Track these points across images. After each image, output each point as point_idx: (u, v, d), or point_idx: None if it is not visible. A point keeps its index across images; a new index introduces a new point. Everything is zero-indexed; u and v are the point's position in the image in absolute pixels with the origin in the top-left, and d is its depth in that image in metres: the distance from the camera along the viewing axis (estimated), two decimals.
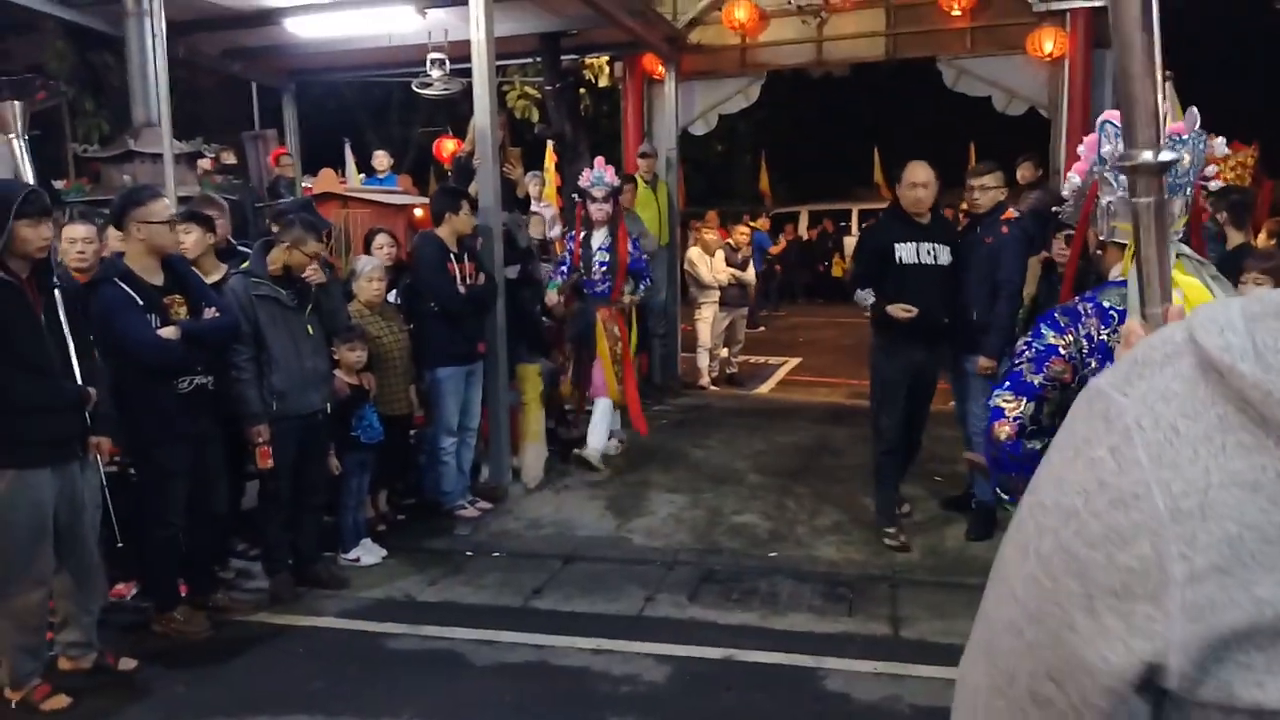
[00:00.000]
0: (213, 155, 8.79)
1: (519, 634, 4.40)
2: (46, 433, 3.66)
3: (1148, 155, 1.07)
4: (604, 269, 6.81)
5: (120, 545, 4.14)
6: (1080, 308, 2.43)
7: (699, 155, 19.35)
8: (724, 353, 10.73)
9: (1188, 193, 2.45)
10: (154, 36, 6.38)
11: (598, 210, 6.81)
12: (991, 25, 9.01)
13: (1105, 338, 2.36)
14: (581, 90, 12.69)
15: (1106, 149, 2.43)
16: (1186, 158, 2.38)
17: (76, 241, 4.65)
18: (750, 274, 10.86)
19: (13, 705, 3.71)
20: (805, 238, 20.85)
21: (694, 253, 10.18)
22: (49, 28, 7.65)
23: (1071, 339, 2.40)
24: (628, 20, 8.50)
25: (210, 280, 4.74)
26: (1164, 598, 0.59)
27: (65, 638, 3.97)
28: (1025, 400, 2.40)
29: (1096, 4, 8.24)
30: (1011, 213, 5.43)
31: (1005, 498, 2.56)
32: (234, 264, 5.10)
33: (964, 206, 6.01)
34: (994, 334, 5.20)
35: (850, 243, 20.03)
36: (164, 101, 6.22)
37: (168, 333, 4.20)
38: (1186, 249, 2.39)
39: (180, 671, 4.08)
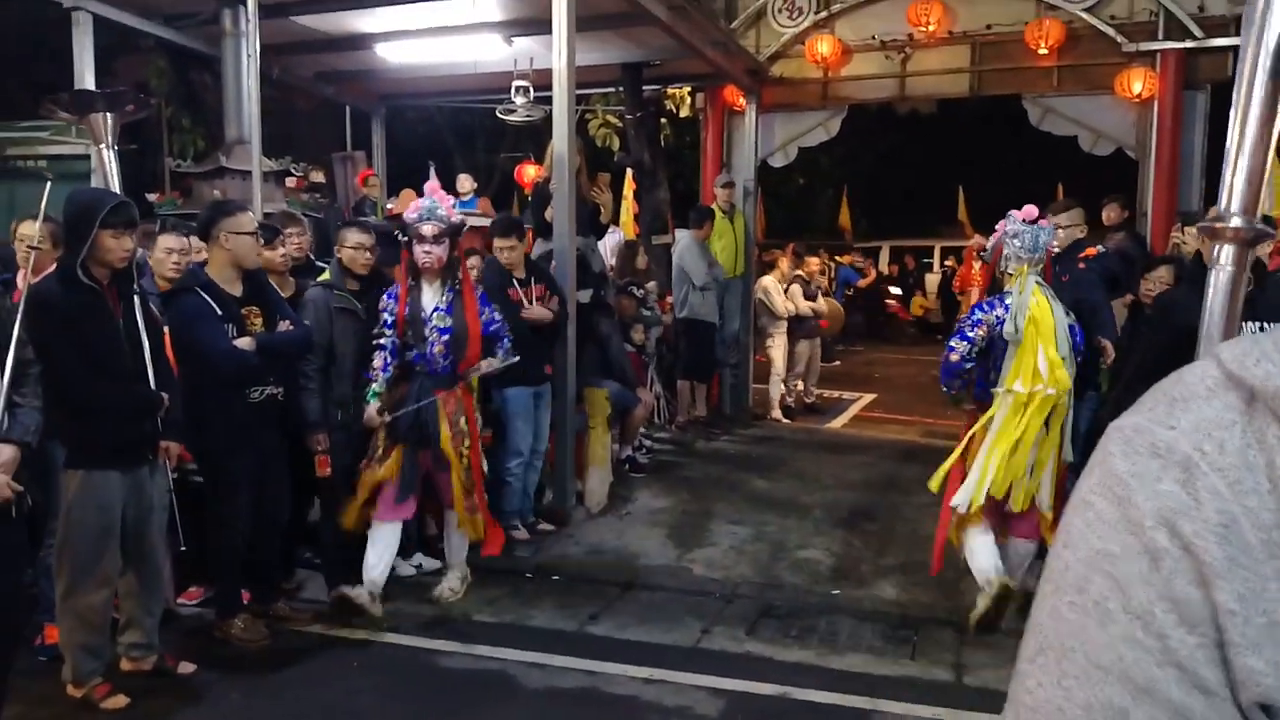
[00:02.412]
0: (300, 174, 9.02)
1: (572, 659, 4.36)
2: (118, 436, 3.76)
3: (1237, 221, 1.08)
4: (444, 339, 4.78)
5: (184, 549, 4.23)
6: (995, 300, 4.61)
7: (778, 187, 19.28)
8: (799, 385, 10.63)
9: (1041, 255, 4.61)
10: (249, 57, 6.59)
11: (426, 255, 4.74)
12: (1079, 64, 8.85)
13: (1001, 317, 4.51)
14: (662, 120, 12.76)
15: (1011, 227, 4.62)
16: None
17: (173, 253, 4.75)
18: (823, 304, 10.77)
19: (76, 699, 3.80)
20: (886, 273, 20.61)
21: (768, 282, 10.11)
22: (151, 47, 7.98)
23: (990, 316, 4.55)
24: (710, 52, 8.54)
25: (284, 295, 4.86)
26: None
27: (128, 639, 4.05)
28: (966, 344, 4.59)
29: (1189, 45, 8.07)
30: (1092, 250, 5.29)
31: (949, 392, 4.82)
32: (310, 279, 5.21)
33: None
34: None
35: (932, 280, 19.74)
36: (255, 120, 6.43)
37: (243, 343, 4.30)
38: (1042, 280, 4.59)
39: (237, 678, 4.13)
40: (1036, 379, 4.31)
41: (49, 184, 3.51)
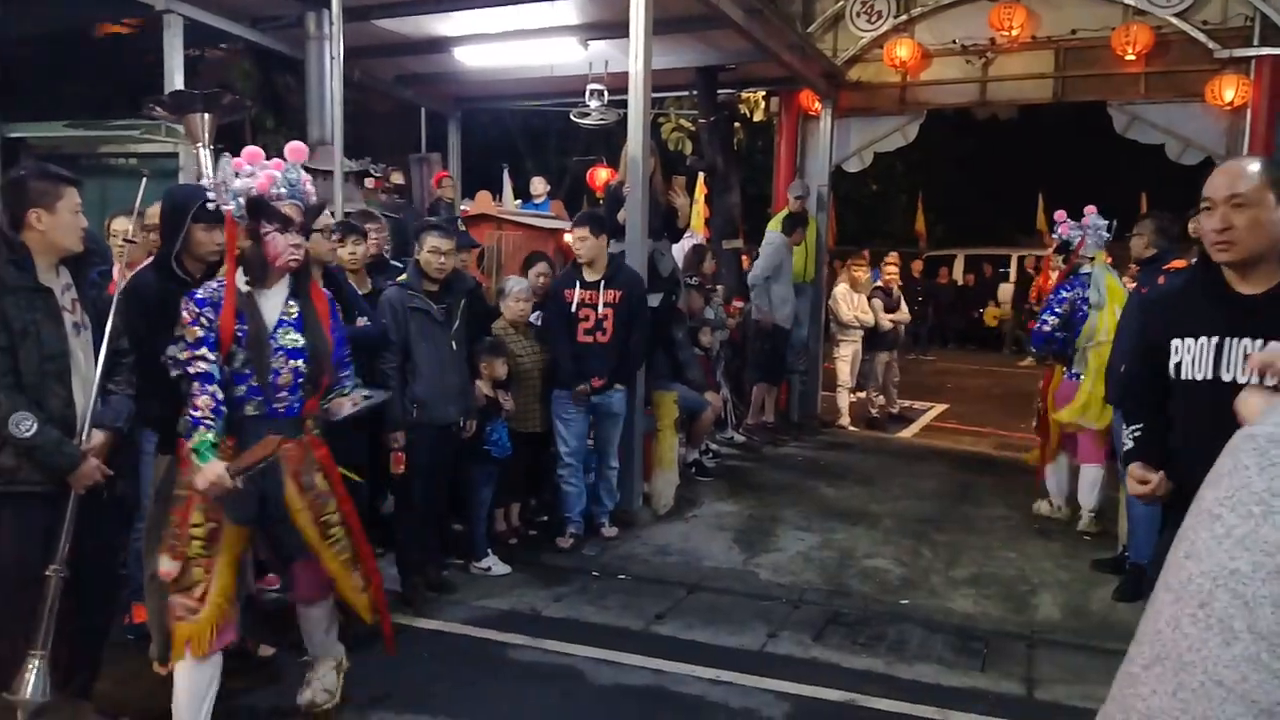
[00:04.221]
0: (379, 175, 9.20)
1: (639, 656, 4.39)
2: None
3: None
4: (296, 365, 3.28)
5: None
6: (1073, 281, 6.18)
7: (852, 193, 19.13)
8: (880, 398, 10.47)
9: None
10: (331, 60, 6.75)
11: (292, 250, 3.27)
12: (1168, 71, 8.64)
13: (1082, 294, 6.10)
14: (736, 124, 12.75)
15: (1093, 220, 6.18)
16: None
17: None
18: (905, 313, 10.63)
19: (161, 676, 3.92)
20: (960, 282, 20.30)
21: (840, 290, 10.04)
22: (237, 49, 8.21)
23: (1072, 294, 6.11)
24: (787, 56, 8.52)
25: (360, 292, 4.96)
26: None
27: None
28: (1055, 318, 6.13)
29: None
30: (1179, 263, 5.17)
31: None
32: (385, 278, 5.32)
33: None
34: None
35: (1006, 290, 19.40)
36: (338, 121, 6.57)
37: None
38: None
39: None
40: (1112, 330, 5.68)
41: (145, 179, 3.62)
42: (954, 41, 9.33)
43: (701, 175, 10.61)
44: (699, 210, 10.54)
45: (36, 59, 10.30)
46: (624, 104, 6.61)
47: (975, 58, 9.33)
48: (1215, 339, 2.46)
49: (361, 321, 4.63)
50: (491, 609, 4.93)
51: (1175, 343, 2.56)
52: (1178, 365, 2.54)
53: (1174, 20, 8.46)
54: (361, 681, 4.08)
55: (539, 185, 10.91)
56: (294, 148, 3.33)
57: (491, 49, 8.70)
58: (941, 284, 19.48)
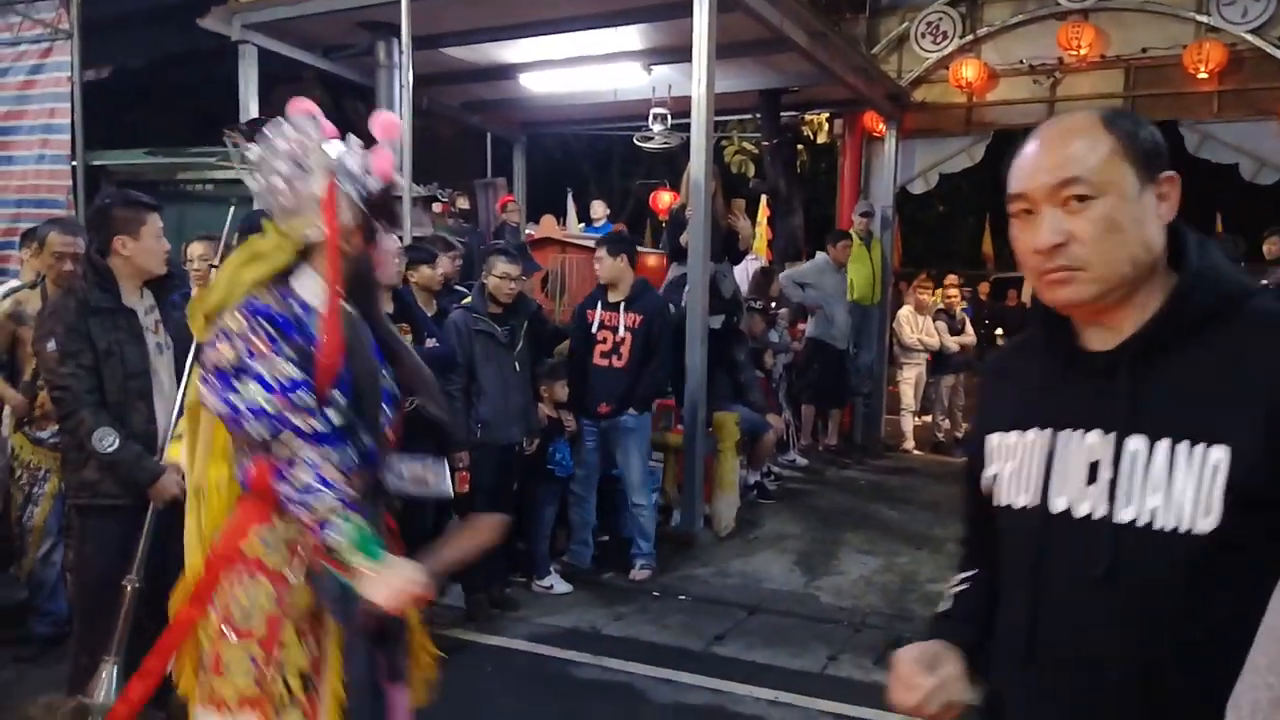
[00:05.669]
0: (446, 200, 9.39)
1: (698, 676, 4.40)
2: None
3: None
4: (389, 411, 2.30)
5: None
6: None
7: (919, 214, 18.97)
8: (946, 422, 10.32)
9: None
10: (401, 88, 6.92)
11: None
12: (1241, 89, 8.45)
13: None
14: (799, 146, 12.75)
15: None
16: None
17: None
18: (970, 335, 10.48)
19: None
20: (1028, 305, 19.99)
21: (903, 312, 9.95)
22: (309, 77, 8.44)
23: None
24: (851, 78, 8.52)
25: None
26: None
27: None
28: None
29: None
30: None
31: None
32: (449, 301, 5.42)
33: None
34: None
35: None
36: (406, 147, 6.73)
37: None
38: None
39: None
40: None
41: (232, 208, 3.77)
42: (1021, 61, 9.24)
43: (764, 198, 10.63)
44: (761, 232, 10.55)
45: (117, 88, 10.70)
46: (687, 127, 6.68)
47: (1043, 77, 9.22)
48: (1046, 433, 1.41)
49: (431, 343, 4.73)
50: (553, 626, 4.99)
51: (992, 442, 1.50)
52: (995, 479, 1.48)
53: (1248, 36, 8.28)
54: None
55: (599, 209, 11.03)
56: (386, 122, 2.33)
57: (556, 75, 8.83)
58: (1009, 306, 19.17)
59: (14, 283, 4.92)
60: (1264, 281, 5.34)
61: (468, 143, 13.16)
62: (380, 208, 2.23)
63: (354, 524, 1.96)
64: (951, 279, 11.12)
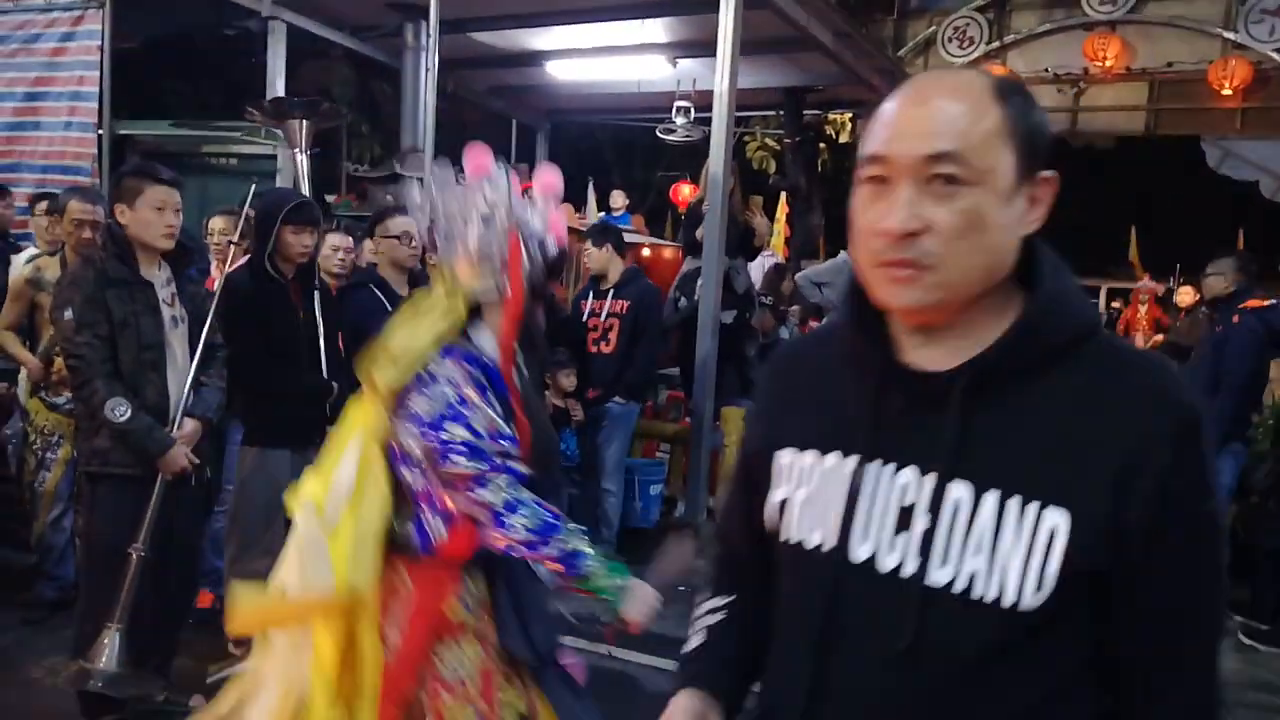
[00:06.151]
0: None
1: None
2: (290, 418, 4.02)
3: None
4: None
5: None
6: None
7: None
8: None
9: None
10: (427, 70, 6.94)
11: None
12: (1266, 106, 8.40)
13: None
14: (821, 145, 12.73)
15: None
16: None
17: (339, 250, 5.07)
18: None
19: (236, 656, 4.09)
20: None
21: None
22: (337, 56, 8.48)
23: None
24: (875, 80, 8.49)
25: None
26: None
27: None
28: None
29: None
30: (1255, 301, 5.07)
31: None
32: None
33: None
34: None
35: None
36: (430, 130, 6.75)
37: None
38: None
39: None
40: None
41: (253, 186, 3.80)
42: (1046, 69, 9.22)
43: (784, 195, 10.62)
44: (780, 229, 10.56)
45: (147, 60, 10.78)
46: (709, 121, 6.68)
47: (1067, 87, 9.21)
48: (851, 460, 1.14)
49: None
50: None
51: (782, 459, 1.22)
52: (781, 507, 1.21)
53: (1275, 55, 8.24)
54: None
55: (618, 199, 11.03)
56: (549, 181, 2.34)
57: (582, 64, 8.83)
58: None
59: (33, 249, 4.99)
60: (1274, 300, 5.33)
61: (494, 128, 13.20)
62: (554, 270, 2.23)
63: (597, 551, 2.07)
64: None
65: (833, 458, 1.16)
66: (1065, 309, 1.09)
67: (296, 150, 4.87)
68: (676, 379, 7.29)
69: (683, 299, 6.41)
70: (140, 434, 3.25)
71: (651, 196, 17.19)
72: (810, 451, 1.19)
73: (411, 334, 2.05)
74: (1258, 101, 8.42)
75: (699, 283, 6.42)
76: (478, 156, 2.18)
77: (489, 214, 2.09)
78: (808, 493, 1.17)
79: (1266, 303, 5.06)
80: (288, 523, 4.01)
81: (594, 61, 8.71)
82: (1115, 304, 19.16)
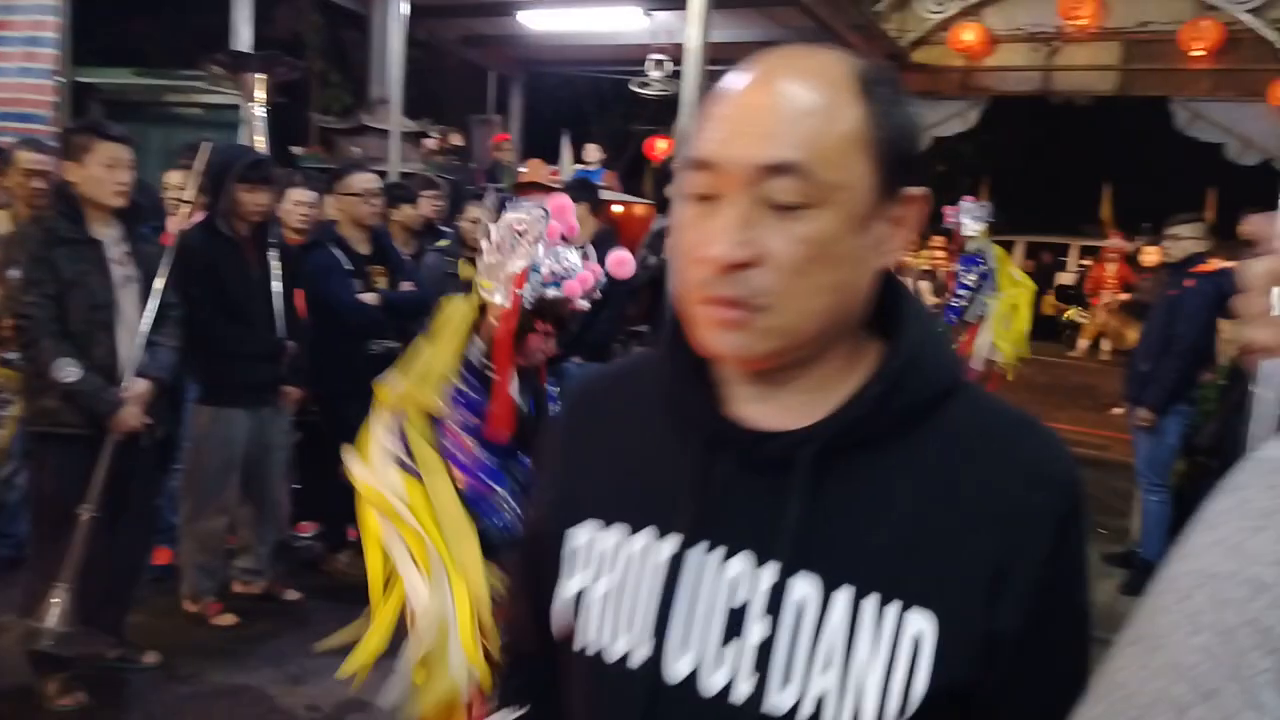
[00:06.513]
0: (439, 136, 9.31)
1: None
2: (245, 378, 4.03)
3: None
4: None
5: (298, 487, 4.52)
6: (967, 259, 6.65)
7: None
8: None
9: None
10: (396, 19, 6.84)
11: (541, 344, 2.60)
12: (1236, 69, 8.37)
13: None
14: None
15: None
16: None
17: (301, 204, 5.00)
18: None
19: (190, 613, 4.13)
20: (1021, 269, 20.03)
21: None
22: (306, 2, 8.32)
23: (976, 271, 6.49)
24: (850, 35, 8.43)
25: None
26: None
27: (241, 564, 4.37)
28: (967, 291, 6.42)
29: None
30: (1208, 266, 5.11)
31: None
32: (429, 242, 5.42)
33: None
34: (1155, 386, 5.08)
35: (1064, 279, 19.14)
36: (397, 81, 6.67)
37: (368, 298, 4.54)
38: None
39: (338, 607, 4.35)
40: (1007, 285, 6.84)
41: (210, 145, 3.75)
42: (1022, 28, 9.15)
43: None
44: None
45: (110, 3, 10.55)
46: None
47: (1041, 45, 9.14)
48: (667, 542, 0.90)
49: (406, 286, 4.74)
50: None
51: (577, 539, 0.96)
52: (576, 603, 0.95)
53: (1245, 17, 8.20)
54: None
55: (593, 153, 10.92)
56: (560, 206, 2.46)
57: (556, 14, 8.73)
58: None
59: None
60: (1234, 262, 5.36)
61: (471, 79, 13.04)
62: (546, 311, 2.42)
63: None
64: (937, 240, 11.10)
65: (644, 537, 0.90)
66: (929, 361, 0.88)
67: (254, 105, 4.80)
68: (648, 336, 7.28)
69: (651, 257, 6.38)
70: (89, 394, 3.24)
71: (631, 149, 17.04)
72: (616, 528, 0.92)
73: (442, 345, 2.35)
74: (1228, 63, 8.39)
75: (668, 241, 6.41)
76: (561, 207, 2.43)
77: (514, 236, 2.34)
78: (610, 584, 0.91)
79: (1218, 266, 5.09)
80: (242, 481, 4.05)
81: (567, 11, 8.61)
82: (1085, 261, 19.28)
